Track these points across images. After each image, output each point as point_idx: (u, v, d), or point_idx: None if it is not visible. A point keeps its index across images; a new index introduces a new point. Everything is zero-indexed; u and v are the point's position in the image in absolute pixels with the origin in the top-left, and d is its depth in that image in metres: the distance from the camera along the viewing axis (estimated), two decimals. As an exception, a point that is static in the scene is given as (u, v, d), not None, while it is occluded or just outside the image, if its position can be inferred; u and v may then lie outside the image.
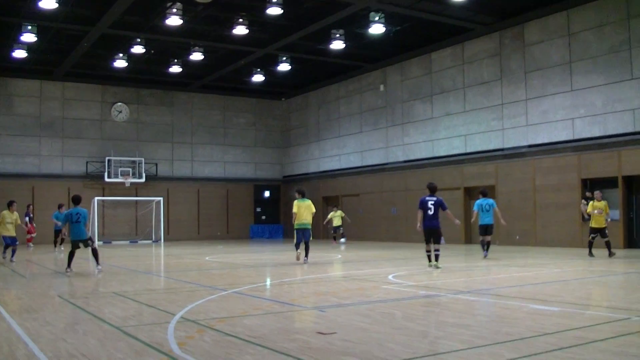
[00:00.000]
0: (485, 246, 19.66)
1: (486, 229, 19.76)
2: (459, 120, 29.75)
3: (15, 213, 20.76)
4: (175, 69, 33.77)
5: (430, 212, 16.12)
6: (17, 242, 20.90)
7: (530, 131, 26.52)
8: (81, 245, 15.98)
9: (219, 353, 6.19)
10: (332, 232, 32.71)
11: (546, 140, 25.86)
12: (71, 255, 16.02)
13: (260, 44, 30.45)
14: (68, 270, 15.65)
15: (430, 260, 16.15)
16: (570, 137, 24.98)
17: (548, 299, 10.03)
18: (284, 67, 33.43)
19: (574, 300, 9.90)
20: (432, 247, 16.09)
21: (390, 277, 13.97)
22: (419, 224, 16.25)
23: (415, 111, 32.25)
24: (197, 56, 31.22)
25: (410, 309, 9.24)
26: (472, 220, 21.03)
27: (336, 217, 31.89)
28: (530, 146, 26.45)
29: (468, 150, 29.20)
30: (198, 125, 40.57)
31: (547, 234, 25.60)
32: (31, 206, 31.41)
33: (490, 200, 20.15)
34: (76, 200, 16.35)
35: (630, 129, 23.13)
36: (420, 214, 16.22)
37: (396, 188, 33.00)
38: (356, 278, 14.02)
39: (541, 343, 6.50)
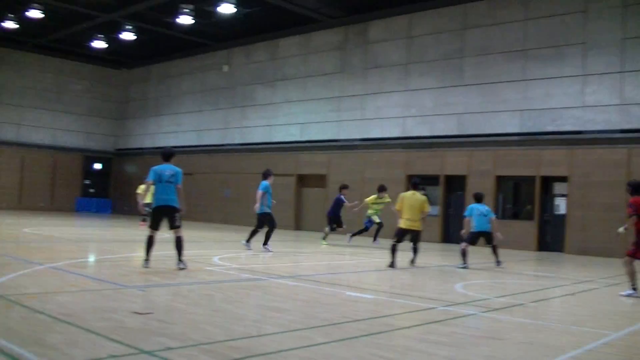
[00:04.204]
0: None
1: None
2: (298, 108, 30.20)
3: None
4: (10, 24, 31.72)
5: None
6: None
7: (364, 125, 27.44)
8: None
9: (25, 331, 6.01)
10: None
11: (379, 136, 26.88)
12: None
13: (106, 9, 29.35)
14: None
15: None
16: (401, 134, 26.17)
17: (365, 286, 10.60)
18: (128, 36, 32.17)
19: (388, 289, 10.61)
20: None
21: (215, 259, 13.99)
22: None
23: (257, 95, 32.35)
24: (35, 13, 29.48)
25: (231, 291, 9.34)
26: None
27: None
28: (363, 139, 27.39)
29: (304, 139, 29.75)
30: (29, 87, 38.39)
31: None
32: None
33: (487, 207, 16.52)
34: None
35: (455, 132, 24.64)
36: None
37: (231, 170, 32.99)
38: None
39: (352, 329, 6.87)
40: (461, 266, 14.69)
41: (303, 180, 29.92)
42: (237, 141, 33.11)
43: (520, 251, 21.65)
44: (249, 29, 31.25)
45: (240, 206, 31.18)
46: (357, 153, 27.53)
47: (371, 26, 27.67)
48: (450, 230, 24.67)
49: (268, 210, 16.57)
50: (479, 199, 16.01)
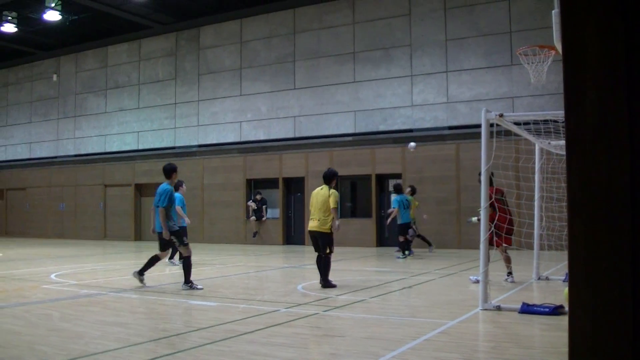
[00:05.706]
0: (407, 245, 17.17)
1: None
2: (132, 117, 28.23)
3: None
4: None
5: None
6: None
7: (200, 131, 26.07)
8: None
9: None
10: None
11: (215, 141, 25.63)
12: None
13: None
14: None
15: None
16: (238, 139, 25.09)
17: (207, 294, 10.02)
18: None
19: (231, 295, 10.07)
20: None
21: (52, 276, 12.76)
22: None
23: (89, 104, 30.00)
24: None
25: (69, 309, 8.59)
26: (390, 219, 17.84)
27: None
28: (200, 146, 26.02)
29: (140, 147, 27.86)
30: None
31: (213, 231, 25.22)
32: None
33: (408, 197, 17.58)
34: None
35: (290, 135, 23.80)
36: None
37: (66, 183, 30.40)
38: (15, 278, 12.48)
39: (195, 337, 6.58)
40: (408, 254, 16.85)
41: (141, 190, 28.00)
42: (71, 152, 30.57)
43: (360, 248, 21.25)
44: (77, 36, 28.75)
45: (76, 220, 28.94)
46: (195, 159, 26.02)
47: (202, 32, 26.24)
48: (292, 232, 23.97)
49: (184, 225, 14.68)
50: (399, 190, 17.27)
